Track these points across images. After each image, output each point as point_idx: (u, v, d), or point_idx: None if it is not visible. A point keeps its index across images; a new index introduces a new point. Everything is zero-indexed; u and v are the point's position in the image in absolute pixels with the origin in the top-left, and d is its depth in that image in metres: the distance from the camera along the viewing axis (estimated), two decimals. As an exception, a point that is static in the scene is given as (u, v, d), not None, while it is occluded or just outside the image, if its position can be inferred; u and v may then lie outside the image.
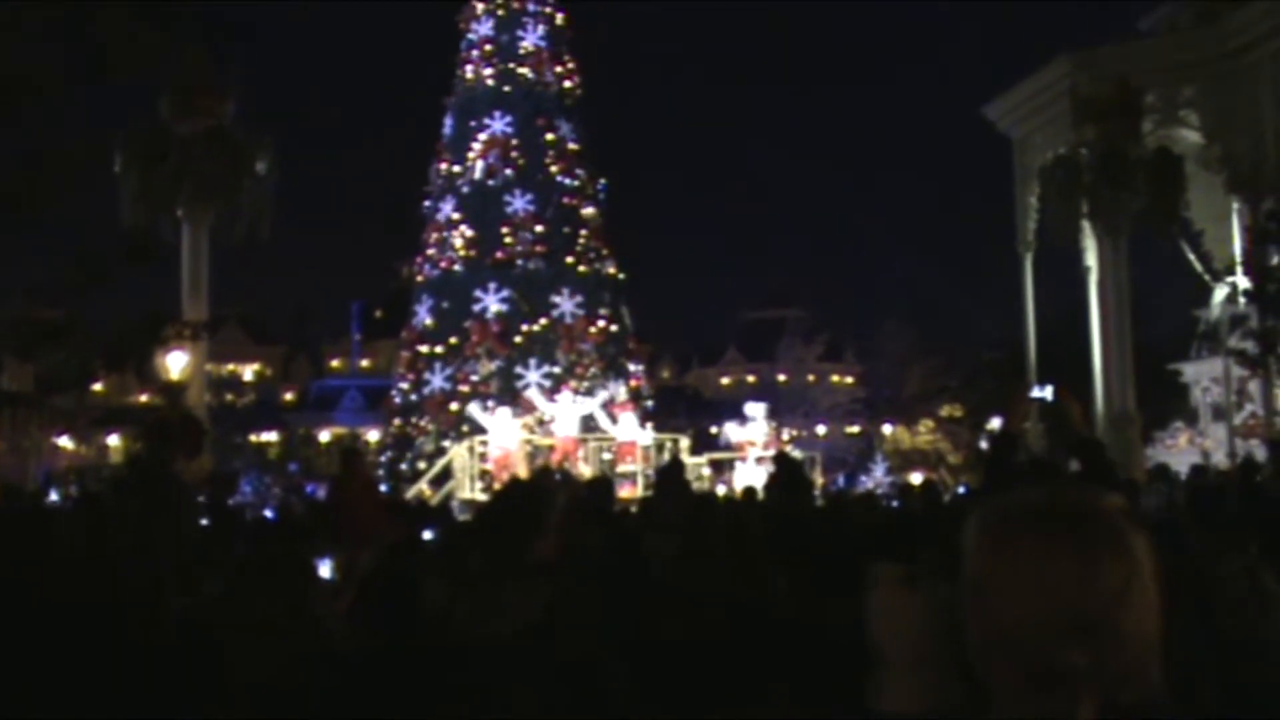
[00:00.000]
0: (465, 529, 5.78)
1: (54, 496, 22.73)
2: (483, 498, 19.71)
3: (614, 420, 23.82)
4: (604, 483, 8.14)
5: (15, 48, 11.40)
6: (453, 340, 26.74)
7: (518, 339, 26.42)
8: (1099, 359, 25.51)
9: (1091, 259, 25.92)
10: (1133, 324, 25.59)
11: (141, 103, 23.11)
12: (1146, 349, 27.23)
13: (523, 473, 20.83)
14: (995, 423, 25.18)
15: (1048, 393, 6.05)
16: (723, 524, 4.00)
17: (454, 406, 25.98)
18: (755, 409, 24.03)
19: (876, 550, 6.16)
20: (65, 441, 56.35)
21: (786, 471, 8.33)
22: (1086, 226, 25.52)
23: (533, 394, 25.00)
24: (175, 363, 20.13)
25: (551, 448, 22.78)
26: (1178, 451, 26.61)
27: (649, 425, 24.41)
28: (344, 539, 8.24)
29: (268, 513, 22.00)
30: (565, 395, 23.59)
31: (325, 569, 4.53)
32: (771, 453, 20.70)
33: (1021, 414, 6.06)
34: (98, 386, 44.03)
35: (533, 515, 3.96)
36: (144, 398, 41.51)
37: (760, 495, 10.16)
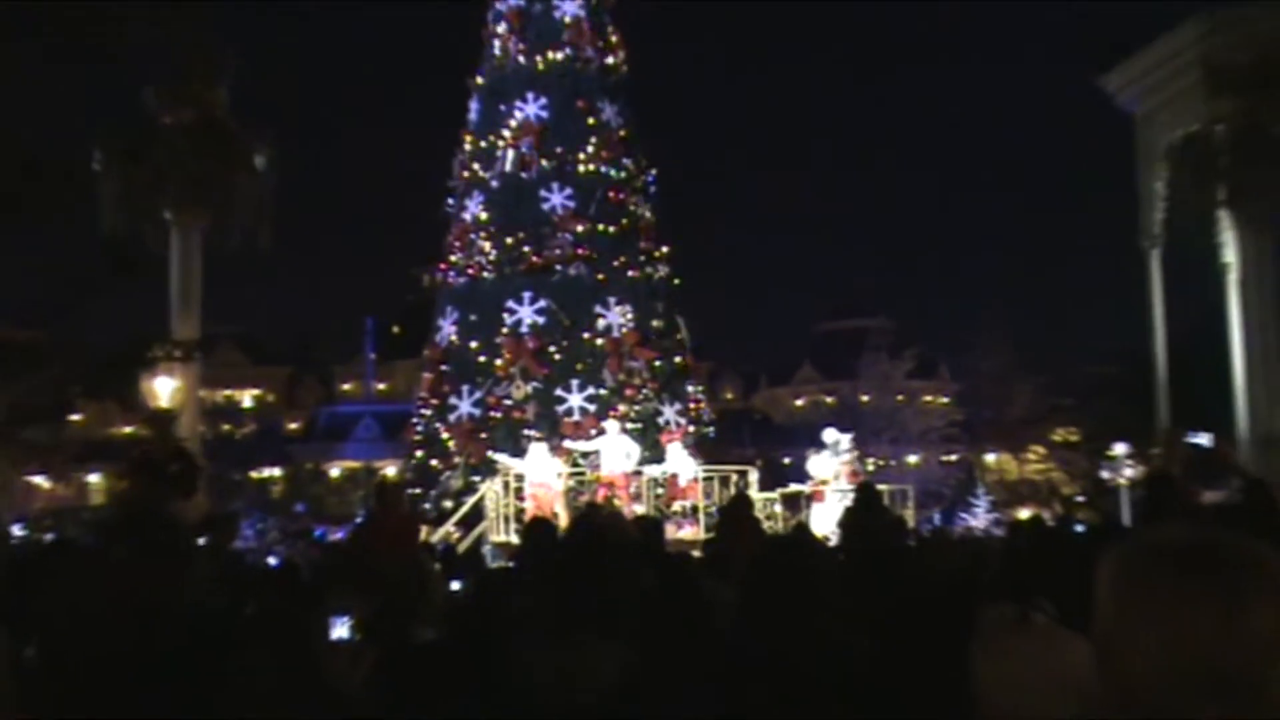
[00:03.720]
0: (516, 579, 5.81)
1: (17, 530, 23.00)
2: (519, 541, 19.79)
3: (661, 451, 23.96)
4: (653, 523, 8.18)
5: None
6: (482, 359, 26.89)
7: (558, 356, 26.52)
8: (1241, 371, 25.17)
9: (1231, 254, 25.61)
10: (1281, 330, 25.23)
11: (124, 94, 23.50)
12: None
13: (563, 512, 20.95)
14: (1119, 449, 24.92)
15: (1205, 440, 6.09)
16: (790, 571, 4.00)
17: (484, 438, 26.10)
18: (833, 435, 23.95)
19: (978, 598, 6.13)
20: (41, 479, 57.17)
21: (867, 506, 8.29)
22: (1224, 216, 25.22)
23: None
24: (164, 388, 20.43)
25: (597, 483, 22.86)
26: (1336, 479, 26.15)
27: (700, 456, 24.34)
28: (369, 589, 8.31)
29: (272, 560, 22.26)
30: (612, 424, 23.64)
31: (342, 628, 4.59)
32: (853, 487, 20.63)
33: (1175, 457, 6.07)
34: (77, 417, 44.74)
35: (604, 563, 4.00)
36: (129, 429, 42.06)
37: (835, 535, 10.13)
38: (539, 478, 22.11)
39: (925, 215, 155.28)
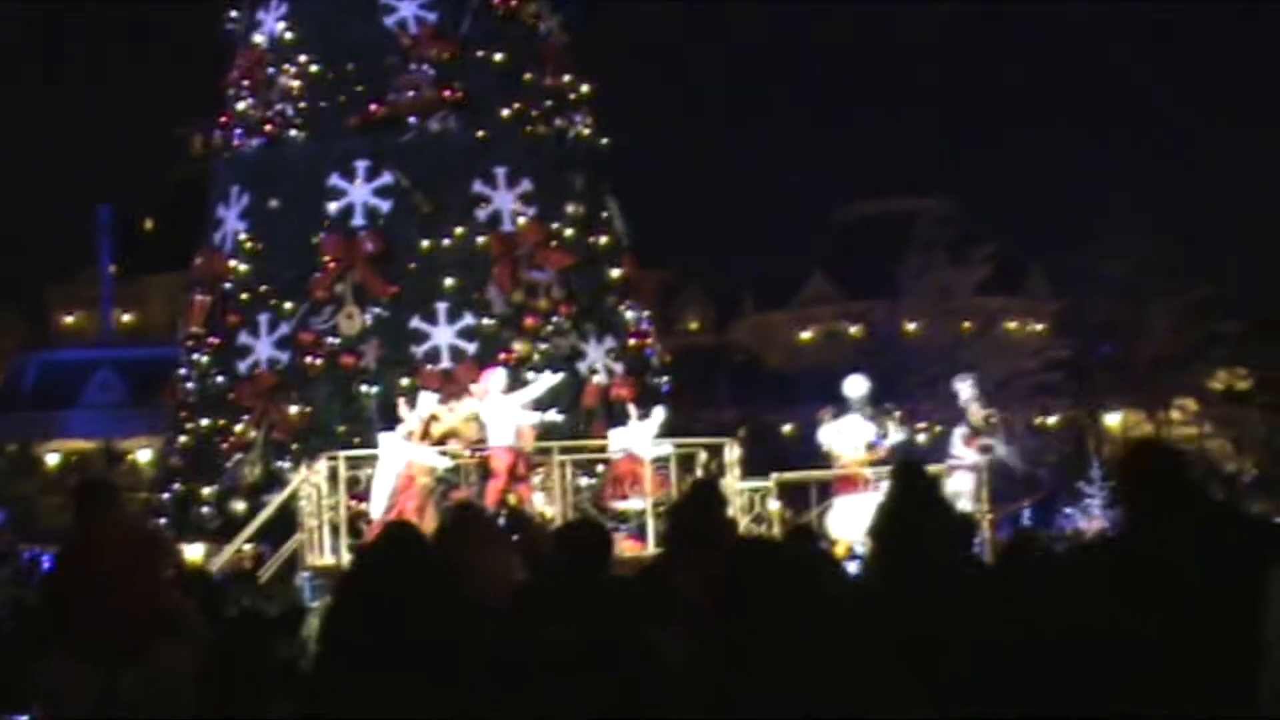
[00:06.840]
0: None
1: None
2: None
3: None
4: (591, 535, 8.11)
5: None
6: (290, 271, 26.77)
7: (413, 265, 26.44)
8: None
9: None
10: None
11: None
12: None
13: (422, 514, 20.85)
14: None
15: None
16: (791, 610, 3.99)
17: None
18: (860, 385, 24.02)
19: (1091, 643, 6.20)
20: None
21: (911, 500, 8.24)
22: None
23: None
24: None
25: (480, 468, 22.78)
26: None
27: (654, 420, 24.29)
28: (88, 653, 8.29)
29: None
30: (497, 375, 23.43)
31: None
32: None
33: None
34: None
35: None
36: None
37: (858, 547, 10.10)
38: (393, 459, 21.90)
39: (1005, 48, 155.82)
